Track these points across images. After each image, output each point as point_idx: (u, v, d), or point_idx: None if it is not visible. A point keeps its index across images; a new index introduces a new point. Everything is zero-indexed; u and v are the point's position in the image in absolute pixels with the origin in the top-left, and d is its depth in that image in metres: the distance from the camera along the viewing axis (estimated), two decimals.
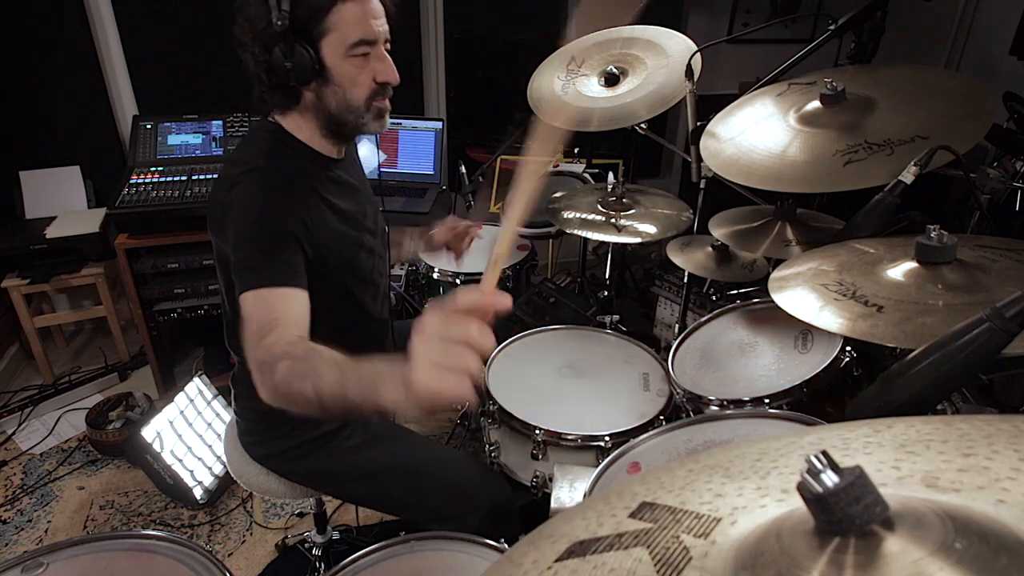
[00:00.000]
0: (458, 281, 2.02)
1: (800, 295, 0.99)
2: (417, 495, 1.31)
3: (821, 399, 1.19)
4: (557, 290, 2.00)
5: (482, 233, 2.33)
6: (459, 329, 0.72)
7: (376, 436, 1.37)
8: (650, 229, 1.66)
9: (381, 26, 1.14)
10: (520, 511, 1.34)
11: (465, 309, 0.74)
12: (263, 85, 1.15)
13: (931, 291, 0.88)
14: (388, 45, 1.18)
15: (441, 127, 2.75)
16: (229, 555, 1.95)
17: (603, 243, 2.67)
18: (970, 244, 0.96)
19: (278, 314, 1.01)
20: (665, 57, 1.82)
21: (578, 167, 2.41)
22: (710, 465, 0.48)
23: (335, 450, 1.33)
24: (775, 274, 1.08)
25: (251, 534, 2.03)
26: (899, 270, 0.93)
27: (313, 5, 1.08)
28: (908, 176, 1.06)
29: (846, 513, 0.33)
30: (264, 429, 1.34)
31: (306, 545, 1.83)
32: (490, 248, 2.21)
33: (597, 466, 1.13)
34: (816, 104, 1.28)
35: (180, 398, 2.22)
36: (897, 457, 0.41)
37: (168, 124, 2.59)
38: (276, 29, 1.07)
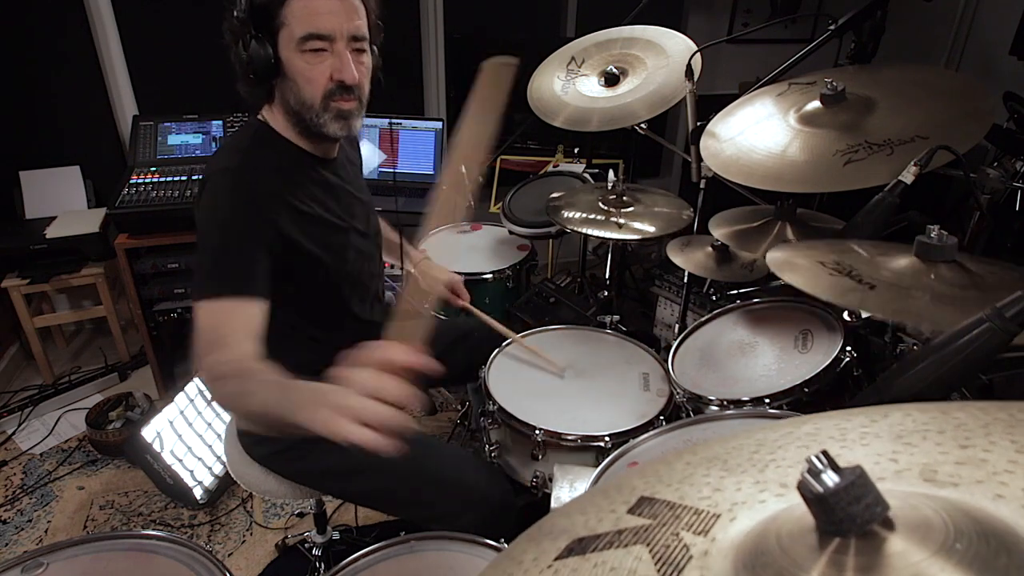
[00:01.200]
0: None
1: (797, 268, 0.99)
2: (416, 490, 1.30)
3: (821, 399, 1.19)
4: (557, 290, 2.00)
5: (481, 233, 2.33)
6: (378, 383, 0.78)
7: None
8: (650, 228, 1.66)
9: (340, 23, 1.11)
10: (520, 510, 1.34)
11: (383, 363, 0.79)
12: (237, 77, 1.17)
13: (927, 281, 0.88)
14: (360, 44, 1.15)
15: (441, 127, 2.75)
16: (229, 555, 1.95)
17: (603, 243, 2.67)
18: (972, 261, 0.96)
19: (224, 331, 1.02)
20: (665, 57, 1.83)
21: (578, 167, 2.41)
22: (708, 457, 0.48)
23: (334, 447, 1.32)
24: (773, 252, 1.07)
25: (251, 534, 2.03)
26: (899, 262, 0.93)
27: None
28: (908, 176, 1.06)
29: (847, 513, 0.33)
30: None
31: (306, 545, 1.83)
32: (489, 251, 2.20)
33: (597, 466, 1.13)
34: (816, 104, 1.28)
35: (180, 398, 2.22)
36: (895, 449, 0.41)
37: (168, 124, 2.59)
38: (237, 20, 1.10)
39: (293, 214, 1.17)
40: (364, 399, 0.77)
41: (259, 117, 1.23)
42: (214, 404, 2.30)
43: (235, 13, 1.10)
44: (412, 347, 0.81)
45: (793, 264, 1.00)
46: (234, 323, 1.03)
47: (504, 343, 1.56)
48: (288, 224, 1.15)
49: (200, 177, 1.27)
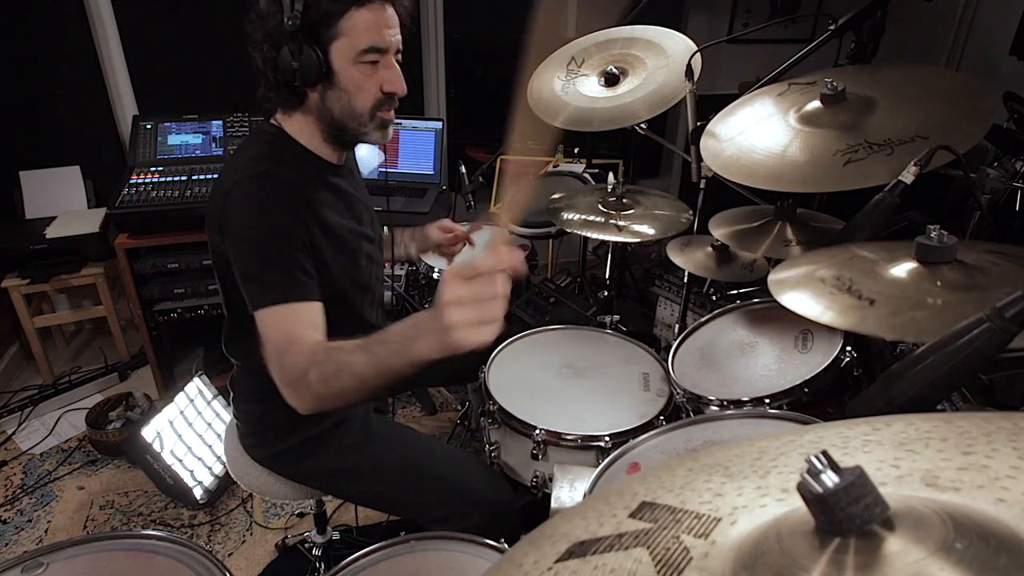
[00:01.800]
0: None
1: (797, 289, 0.99)
2: (417, 492, 1.31)
3: (821, 399, 1.19)
4: (557, 290, 2.00)
5: (482, 232, 2.33)
6: (487, 288, 0.82)
7: (374, 433, 1.37)
8: (649, 230, 1.66)
9: (394, 36, 1.14)
10: (520, 511, 1.34)
11: (486, 270, 0.82)
12: (268, 83, 1.15)
13: (927, 288, 0.88)
14: (400, 56, 1.17)
15: (441, 127, 2.75)
16: (229, 555, 1.95)
17: (603, 243, 2.68)
18: (976, 249, 0.95)
19: (292, 333, 1.03)
20: (665, 57, 1.83)
21: (578, 167, 2.41)
22: (710, 464, 0.48)
23: (334, 448, 1.33)
24: (774, 274, 1.08)
25: (251, 534, 2.03)
26: (899, 268, 0.94)
27: (327, 8, 1.07)
28: (908, 176, 1.06)
29: (846, 513, 0.33)
30: (263, 431, 1.34)
31: (306, 545, 1.83)
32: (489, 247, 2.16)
33: (597, 466, 1.13)
34: (816, 104, 1.28)
35: (180, 398, 2.22)
36: (897, 456, 0.41)
37: (168, 124, 2.59)
38: (287, 28, 1.07)
39: (318, 218, 1.17)
40: (471, 304, 0.82)
41: (272, 122, 1.22)
42: (214, 404, 2.31)
43: (285, 20, 1.07)
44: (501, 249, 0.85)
45: (792, 284, 1.00)
46: (299, 325, 1.05)
47: (506, 341, 1.56)
48: (315, 228, 1.16)
49: (216, 178, 1.25)
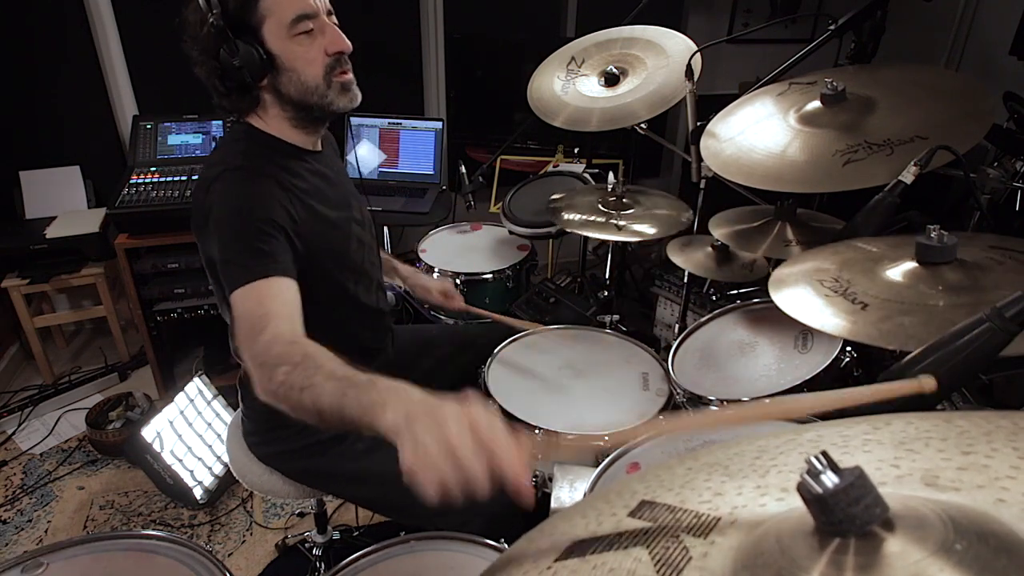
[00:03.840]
0: (458, 280, 2.01)
1: (794, 289, 1.00)
2: (421, 500, 1.30)
3: None
4: (557, 290, 2.00)
5: (481, 232, 2.32)
6: (475, 459, 0.69)
7: (384, 440, 1.36)
8: (649, 229, 1.66)
9: None
10: (522, 513, 1.34)
11: (501, 457, 0.69)
12: (220, 92, 1.15)
13: (921, 291, 0.88)
14: (332, 16, 1.16)
15: (441, 127, 2.75)
16: (229, 555, 1.95)
17: (603, 243, 2.68)
18: (981, 245, 0.95)
19: (268, 308, 0.99)
20: (665, 57, 1.83)
21: (578, 167, 2.41)
22: (709, 463, 0.48)
23: (342, 453, 1.32)
24: (778, 271, 1.08)
25: (251, 534, 2.03)
26: (899, 270, 0.94)
27: None
28: (908, 176, 1.06)
29: (846, 514, 0.33)
30: (272, 429, 1.33)
31: (306, 545, 1.83)
32: (489, 251, 2.20)
33: (597, 466, 1.13)
34: (816, 104, 1.28)
35: (180, 398, 2.22)
36: (896, 455, 0.41)
37: (168, 124, 2.59)
38: (213, 30, 1.07)
39: (301, 204, 1.17)
40: (463, 458, 0.69)
41: (243, 121, 1.23)
42: (214, 404, 2.30)
43: (209, 23, 1.06)
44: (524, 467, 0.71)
45: (791, 282, 1.01)
46: (271, 303, 1.00)
47: (506, 341, 1.56)
48: (299, 213, 1.15)
49: (197, 178, 1.25)
